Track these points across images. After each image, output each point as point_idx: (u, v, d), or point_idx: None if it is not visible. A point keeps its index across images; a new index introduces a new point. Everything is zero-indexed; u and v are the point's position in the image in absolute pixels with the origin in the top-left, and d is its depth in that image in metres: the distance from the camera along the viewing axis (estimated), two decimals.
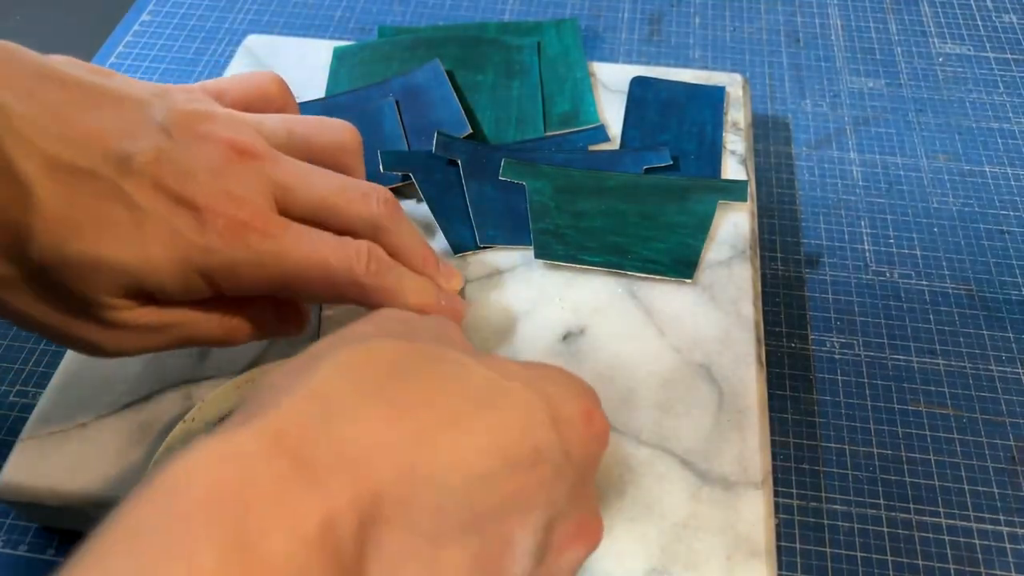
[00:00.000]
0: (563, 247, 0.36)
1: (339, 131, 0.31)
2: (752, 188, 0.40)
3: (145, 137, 0.25)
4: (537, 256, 0.36)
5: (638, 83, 0.44)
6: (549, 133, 0.42)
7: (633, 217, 0.37)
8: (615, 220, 0.37)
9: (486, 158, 0.40)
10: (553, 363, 0.33)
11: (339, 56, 0.46)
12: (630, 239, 0.37)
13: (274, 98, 0.31)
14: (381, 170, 0.39)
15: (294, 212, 0.28)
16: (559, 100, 0.43)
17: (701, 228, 0.37)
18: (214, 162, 0.26)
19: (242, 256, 0.26)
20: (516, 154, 0.40)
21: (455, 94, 0.42)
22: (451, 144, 0.40)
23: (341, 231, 0.28)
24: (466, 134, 0.41)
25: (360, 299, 0.29)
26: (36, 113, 0.24)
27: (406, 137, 0.41)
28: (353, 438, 0.19)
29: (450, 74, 0.44)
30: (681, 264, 0.36)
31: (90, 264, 0.24)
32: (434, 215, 0.37)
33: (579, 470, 0.23)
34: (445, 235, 0.37)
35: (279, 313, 0.30)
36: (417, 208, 0.38)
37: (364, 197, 0.29)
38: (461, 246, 0.37)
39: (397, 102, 0.42)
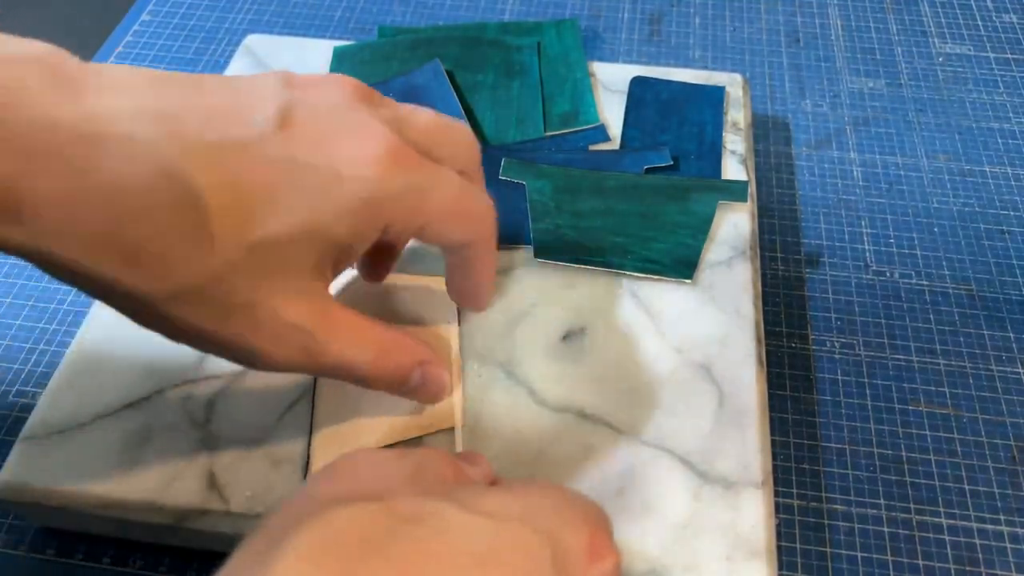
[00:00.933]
0: (563, 247, 0.36)
1: (458, 127, 0.30)
2: (752, 188, 0.40)
3: (268, 97, 0.24)
4: (537, 256, 0.36)
5: (638, 83, 0.44)
6: (549, 133, 0.42)
7: (633, 217, 0.37)
8: (615, 220, 0.37)
9: (486, 158, 0.40)
10: (554, 364, 0.33)
11: (339, 56, 0.46)
12: (630, 239, 0.37)
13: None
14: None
15: (413, 144, 0.27)
16: (559, 100, 0.43)
17: (701, 228, 0.37)
18: (341, 98, 0.26)
19: (404, 182, 0.25)
20: (516, 154, 0.40)
21: (455, 94, 0.42)
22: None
23: (448, 156, 0.28)
24: None
25: (483, 252, 0.30)
26: (172, 106, 0.23)
27: None
28: None
29: (450, 74, 0.44)
30: (681, 264, 0.36)
31: (271, 245, 0.23)
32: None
33: None
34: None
35: (424, 373, 0.29)
36: None
37: (479, 195, 0.29)
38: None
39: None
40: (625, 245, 0.36)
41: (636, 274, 0.36)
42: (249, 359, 0.25)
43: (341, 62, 0.45)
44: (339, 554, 0.18)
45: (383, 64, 0.45)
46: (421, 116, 0.28)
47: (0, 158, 0.20)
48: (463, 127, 0.30)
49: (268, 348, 0.25)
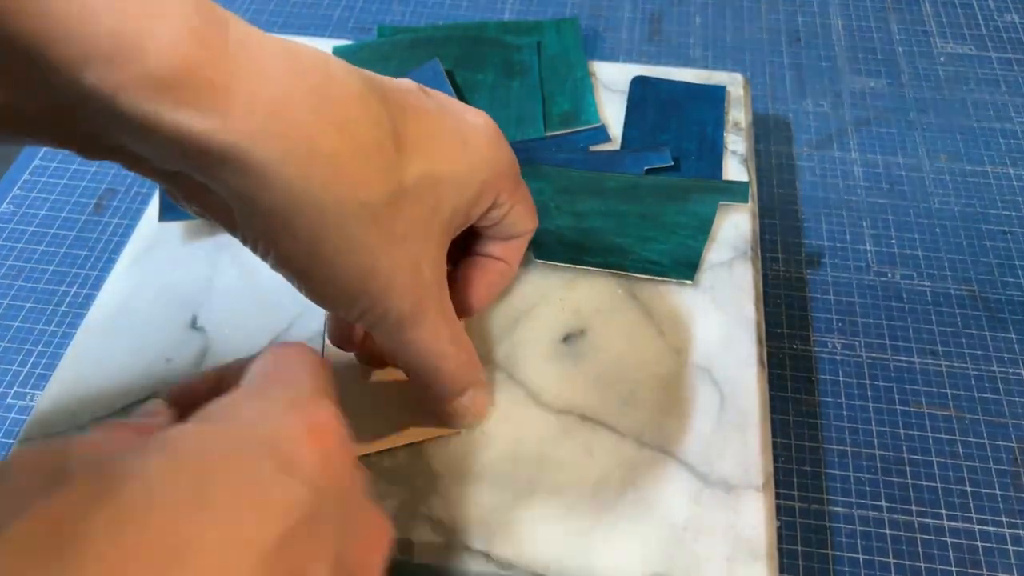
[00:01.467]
0: (563, 248, 0.36)
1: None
2: (753, 188, 0.39)
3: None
4: (537, 257, 0.36)
5: (638, 83, 0.44)
6: (549, 133, 0.42)
7: (633, 218, 0.37)
8: (615, 221, 0.37)
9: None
10: (555, 365, 0.33)
11: (337, 55, 0.45)
12: (630, 240, 0.36)
13: None
14: None
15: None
16: (559, 100, 0.43)
17: (702, 229, 0.37)
18: None
19: (509, 158, 0.28)
20: (517, 154, 0.40)
21: (454, 94, 0.42)
22: None
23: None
24: None
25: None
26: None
27: None
28: None
29: (450, 74, 0.43)
30: (682, 265, 0.36)
31: (432, 178, 0.25)
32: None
33: (337, 493, 0.19)
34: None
35: (474, 399, 0.30)
36: None
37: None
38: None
39: None
40: (625, 246, 0.36)
41: (637, 275, 0.36)
42: (359, 298, 0.25)
43: None
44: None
45: (382, 64, 0.45)
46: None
47: (213, 67, 0.21)
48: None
49: (402, 279, 0.25)
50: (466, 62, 0.45)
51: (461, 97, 0.43)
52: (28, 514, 0.15)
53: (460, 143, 0.26)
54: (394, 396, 0.31)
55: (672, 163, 0.39)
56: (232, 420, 0.20)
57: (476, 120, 0.27)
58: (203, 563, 0.16)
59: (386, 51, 0.46)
